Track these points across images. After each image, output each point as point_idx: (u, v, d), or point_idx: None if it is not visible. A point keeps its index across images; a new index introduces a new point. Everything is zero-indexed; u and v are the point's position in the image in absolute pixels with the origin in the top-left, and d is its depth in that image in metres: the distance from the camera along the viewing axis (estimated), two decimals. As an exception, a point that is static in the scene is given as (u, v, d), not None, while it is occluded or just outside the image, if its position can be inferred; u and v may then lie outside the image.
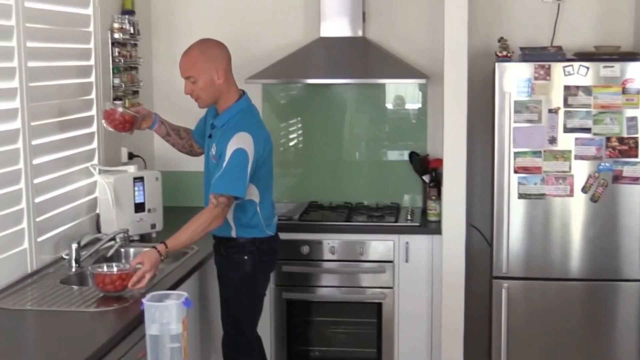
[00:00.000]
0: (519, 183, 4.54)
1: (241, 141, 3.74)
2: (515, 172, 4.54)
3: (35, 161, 3.76)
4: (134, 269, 3.50)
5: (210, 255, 4.17)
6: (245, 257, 3.94)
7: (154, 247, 3.60)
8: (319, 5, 5.01)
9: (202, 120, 4.18)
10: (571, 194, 4.53)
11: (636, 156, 4.47)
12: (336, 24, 5.00)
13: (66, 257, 3.91)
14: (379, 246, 4.76)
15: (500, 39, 4.67)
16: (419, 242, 4.74)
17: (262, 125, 4.00)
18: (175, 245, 3.68)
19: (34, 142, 3.73)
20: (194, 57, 3.83)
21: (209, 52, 3.85)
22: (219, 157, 3.81)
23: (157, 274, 3.62)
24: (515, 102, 4.49)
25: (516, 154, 4.52)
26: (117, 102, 4.46)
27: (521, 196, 4.56)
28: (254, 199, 3.92)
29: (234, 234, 3.94)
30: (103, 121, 4.04)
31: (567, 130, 4.49)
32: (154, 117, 4.12)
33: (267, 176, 3.99)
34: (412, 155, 5.16)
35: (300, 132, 5.35)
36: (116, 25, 4.58)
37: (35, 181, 3.76)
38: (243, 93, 3.98)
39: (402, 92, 5.28)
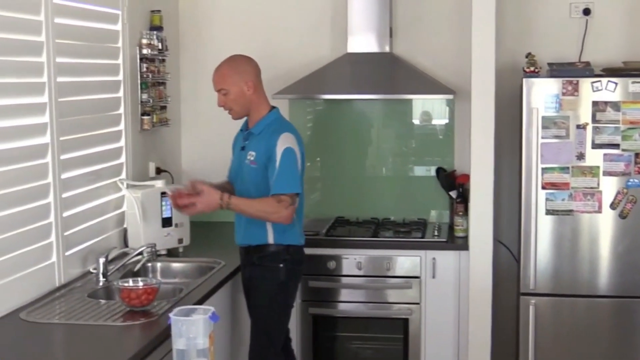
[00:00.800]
0: (547, 199, 4.52)
1: (287, 141, 3.93)
2: (543, 188, 4.51)
3: (64, 175, 3.79)
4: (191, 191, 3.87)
5: (237, 269, 4.18)
6: (281, 265, 4.01)
7: (220, 194, 3.83)
8: (346, 21, 5.02)
9: (234, 160, 4.20)
10: (599, 210, 4.50)
11: (665, 172, 4.44)
12: (363, 40, 5.02)
13: (94, 271, 3.93)
14: (405, 262, 4.74)
15: (528, 55, 4.66)
16: (446, 258, 4.71)
17: (297, 132, 4.11)
18: (235, 205, 3.88)
19: (62, 157, 3.76)
20: (224, 71, 4.02)
21: (238, 66, 4.03)
22: (265, 159, 3.92)
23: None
24: (543, 117, 4.47)
25: (544, 170, 4.50)
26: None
27: (549, 212, 4.53)
28: None
29: (270, 240, 3.99)
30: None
31: (595, 146, 4.46)
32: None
33: (302, 181, 4.03)
34: (439, 170, 5.15)
35: (327, 147, 5.35)
36: (144, 41, 4.61)
37: (64, 195, 3.79)
38: (273, 108, 4.12)
39: (429, 108, 5.27)
